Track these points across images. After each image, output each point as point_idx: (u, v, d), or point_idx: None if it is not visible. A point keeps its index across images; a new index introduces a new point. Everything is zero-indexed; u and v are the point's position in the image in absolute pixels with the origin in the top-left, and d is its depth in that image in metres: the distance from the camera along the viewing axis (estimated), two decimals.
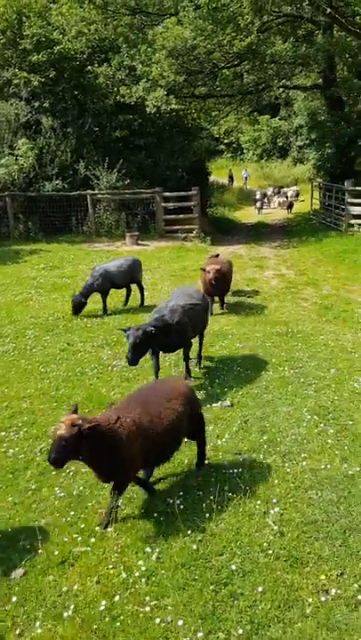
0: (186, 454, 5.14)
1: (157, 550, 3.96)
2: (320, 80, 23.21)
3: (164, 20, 19.73)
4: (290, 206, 29.72)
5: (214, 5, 14.18)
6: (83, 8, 18.44)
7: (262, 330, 8.86)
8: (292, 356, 7.62)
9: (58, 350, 7.90)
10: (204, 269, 9.49)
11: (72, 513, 4.42)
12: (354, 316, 9.53)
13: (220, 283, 9.32)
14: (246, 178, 43.10)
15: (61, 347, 8.05)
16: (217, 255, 11.12)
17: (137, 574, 3.75)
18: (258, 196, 31.62)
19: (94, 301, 9.83)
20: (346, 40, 20.00)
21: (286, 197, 31.85)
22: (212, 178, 31.34)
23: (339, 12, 17.76)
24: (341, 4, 18.42)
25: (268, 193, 34.32)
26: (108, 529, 4.16)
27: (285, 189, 34.62)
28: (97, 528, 4.20)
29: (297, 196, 33.42)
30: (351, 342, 8.15)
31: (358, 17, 19.25)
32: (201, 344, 7.33)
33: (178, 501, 4.45)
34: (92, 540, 4.09)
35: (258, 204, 30.43)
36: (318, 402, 6.15)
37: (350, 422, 5.65)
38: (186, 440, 5.36)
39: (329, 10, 16.94)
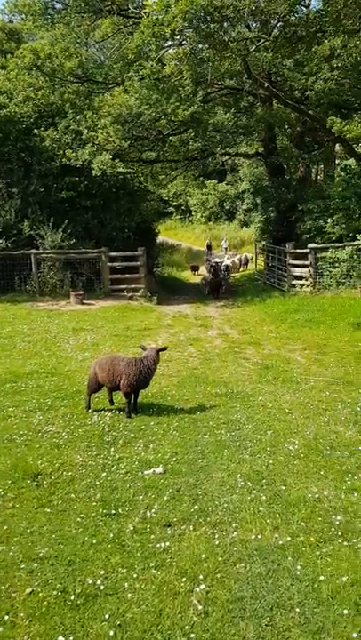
0: (111, 528, 4.85)
1: (71, 638, 3.64)
2: (262, 148, 24.35)
3: (111, 88, 20.47)
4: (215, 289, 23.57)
5: (156, 77, 14.80)
6: (31, 74, 18.90)
7: (202, 391, 8.76)
8: (229, 419, 7.50)
9: None
10: None
11: None
12: (293, 375, 9.55)
13: None
14: (226, 248, 38.10)
15: None
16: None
17: None
18: (224, 261, 27.12)
19: (31, 364, 9.52)
20: (284, 112, 21.20)
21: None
22: (161, 238, 31.87)
23: (277, 86, 18.88)
24: (279, 78, 19.62)
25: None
26: None
27: (220, 257, 30.97)
28: (6, 617, 3.83)
29: (246, 263, 32.09)
30: (289, 403, 8.11)
31: (296, 91, 20.48)
32: None
33: (99, 581, 4.15)
34: (0, 629, 3.73)
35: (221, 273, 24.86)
36: (253, 466, 6.00)
37: (283, 488, 5.50)
38: (114, 513, 5.09)
39: (267, 84, 17.98)
